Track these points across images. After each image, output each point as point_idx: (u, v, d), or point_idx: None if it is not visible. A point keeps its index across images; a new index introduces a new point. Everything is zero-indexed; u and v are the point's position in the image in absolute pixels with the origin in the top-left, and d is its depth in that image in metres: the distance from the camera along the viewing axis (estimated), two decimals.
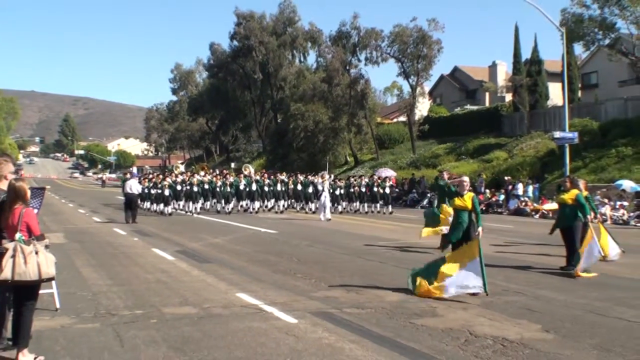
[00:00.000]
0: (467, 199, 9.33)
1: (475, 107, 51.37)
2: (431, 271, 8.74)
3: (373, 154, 50.47)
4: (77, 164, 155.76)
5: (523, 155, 35.27)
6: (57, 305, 7.65)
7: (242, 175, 29.45)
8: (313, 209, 28.22)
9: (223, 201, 27.75)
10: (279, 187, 28.92)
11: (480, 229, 9.10)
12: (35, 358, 5.59)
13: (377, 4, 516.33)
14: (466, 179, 9.77)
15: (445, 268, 8.54)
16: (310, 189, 28.73)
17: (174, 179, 28.73)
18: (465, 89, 60.54)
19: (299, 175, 30.43)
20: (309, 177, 30.07)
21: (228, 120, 75.70)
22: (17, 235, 5.62)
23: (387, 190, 28.68)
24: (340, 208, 28.92)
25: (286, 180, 29.51)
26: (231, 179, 28.95)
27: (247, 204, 28.37)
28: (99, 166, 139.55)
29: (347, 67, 49.10)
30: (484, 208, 16.59)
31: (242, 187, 28.14)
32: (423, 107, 52.25)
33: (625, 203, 24.07)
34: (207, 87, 77.49)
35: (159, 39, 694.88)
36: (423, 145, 47.60)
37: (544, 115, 40.02)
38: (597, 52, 40.65)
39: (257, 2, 79.06)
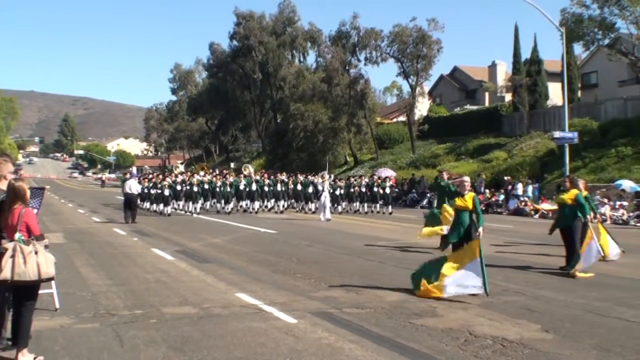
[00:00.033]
0: (467, 199, 9.31)
1: (474, 107, 51.37)
2: (432, 270, 8.73)
3: (373, 154, 50.47)
4: (76, 164, 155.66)
5: (523, 155, 35.27)
6: (57, 305, 7.65)
7: (242, 176, 29.44)
8: (313, 209, 28.21)
9: (223, 201, 27.74)
10: (279, 187, 28.91)
11: (481, 229, 9.08)
12: (34, 358, 5.58)
13: (377, 4, 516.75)
14: (467, 179, 9.76)
15: (445, 268, 8.54)
16: (310, 189, 28.72)
17: (173, 179, 28.71)
18: (465, 88, 60.54)
19: (298, 175, 30.41)
20: (309, 177, 30.05)
21: (227, 120, 75.69)
22: (17, 235, 5.62)
23: (387, 191, 28.69)
24: (340, 208, 28.92)
25: (286, 180, 29.49)
26: (231, 179, 28.95)
27: (247, 204, 28.37)
28: (99, 166, 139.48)
29: (347, 67, 49.11)
30: (483, 208, 16.51)
31: (242, 187, 28.13)
32: (423, 107, 52.26)
33: (625, 203, 24.07)
34: (206, 87, 77.48)
35: (158, 39, 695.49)
36: (423, 145, 47.60)
37: (543, 115, 40.03)
38: (597, 52, 40.67)
39: (256, 2, 79.17)
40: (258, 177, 29.51)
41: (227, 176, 29.93)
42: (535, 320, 7.34)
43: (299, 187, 28.99)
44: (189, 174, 32.23)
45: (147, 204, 28.82)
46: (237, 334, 6.61)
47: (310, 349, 6.07)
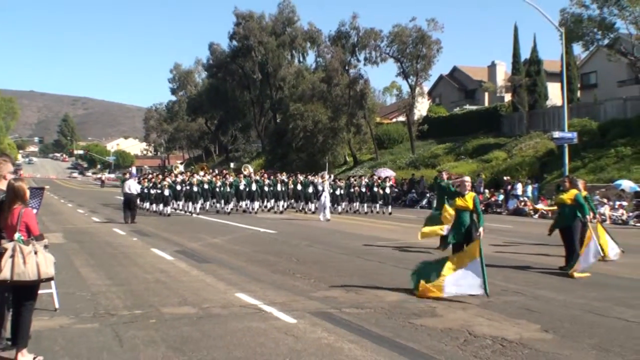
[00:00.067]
0: (468, 199, 9.30)
1: (474, 107, 51.36)
2: (431, 271, 8.73)
3: (372, 154, 50.47)
4: (76, 164, 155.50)
5: (522, 155, 35.28)
6: (56, 306, 7.64)
7: (242, 176, 29.42)
8: (313, 209, 28.21)
9: (223, 201, 27.73)
10: (279, 188, 28.88)
11: (481, 229, 9.05)
12: (34, 358, 5.58)
13: (377, 4, 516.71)
14: (468, 179, 9.76)
15: (445, 268, 8.54)
16: (310, 189, 28.71)
17: (173, 179, 28.70)
18: (465, 89, 60.55)
19: (298, 175, 30.39)
20: (309, 177, 30.04)
21: (227, 120, 75.70)
22: (16, 235, 5.62)
23: (387, 191, 28.71)
24: (340, 209, 28.91)
25: (286, 180, 29.47)
26: (231, 179, 28.94)
27: (246, 205, 28.36)
28: (98, 166, 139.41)
29: (347, 67, 49.11)
30: (483, 208, 16.37)
31: (242, 187, 28.12)
32: (422, 107, 52.25)
33: (625, 203, 24.08)
34: (206, 87, 77.49)
35: (158, 39, 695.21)
36: (422, 145, 47.61)
37: (543, 115, 40.03)
38: (596, 52, 40.68)
39: (256, 2, 79.18)
40: (258, 177, 29.49)
41: (227, 176, 29.92)
42: (535, 320, 7.34)
43: (299, 187, 28.98)
44: (188, 174, 32.23)
45: (147, 204, 28.83)
46: (236, 334, 6.61)
47: (310, 349, 6.07)
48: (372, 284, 9.67)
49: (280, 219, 24.79)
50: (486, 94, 54.49)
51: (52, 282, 6.94)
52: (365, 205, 28.88)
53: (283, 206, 28.99)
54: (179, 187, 27.91)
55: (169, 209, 26.89)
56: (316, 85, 50.61)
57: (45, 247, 5.84)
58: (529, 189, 29.54)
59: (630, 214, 23.30)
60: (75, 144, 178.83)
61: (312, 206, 28.49)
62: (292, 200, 29.93)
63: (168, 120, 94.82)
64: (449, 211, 9.64)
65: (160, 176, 29.96)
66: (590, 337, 6.61)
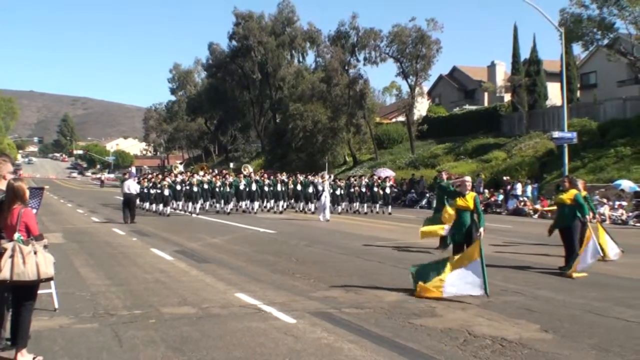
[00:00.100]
0: (469, 199, 9.29)
1: (474, 107, 51.35)
2: (431, 271, 8.72)
3: (372, 154, 50.46)
4: (75, 164, 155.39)
5: (522, 155, 35.27)
6: (56, 306, 7.64)
7: (242, 175, 29.40)
8: (312, 210, 28.19)
9: (222, 201, 27.71)
10: (279, 188, 28.86)
11: (482, 229, 9.04)
12: (33, 358, 5.58)
13: (376, 4, 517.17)
14: (468, 178, 9.76)
15: (446, 269, 8.53)
16: (311, 189, 28.70)
17: (173, 179, 28.69)
18: (464, 89, 60.55)
19: (298, 175, 30.37)
20: (309, 177, 30.03)
21: (227, 120, 75.68)
22: (16, 235, 5.62)
23: (387, 191, 28.71)
24: (339, 209, 28.90)
25: (286, 180, 29.44)
26: (230, 179, 28.91)
27: (246, 205, 28.35)
28: (98, 166, 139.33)
29: (346, 67, 49.09)
30: (482, 208, 16.31)
31: (242, 187, 28.10)
32: (422, 107, 52.24)
33: (624, 203, 24.09)
34: (205, 87, 77.46)
35: (157, 39, 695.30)
36: (422, 145, 47.60)
37: (542, 115, 40.03)
38: (596, 52, 40.69)
39: (256, 2, 79.21)
40: (258, 177, 29.48)
41: (227, 176, 29.90)
42: (535, 320, 7.34)
43: (299, 187, 28.97)
44: (188, 174, 32.23)
45: (146, 204, 28.81)
46: (236, 334, 6.61)
47: (310, 349, 6.07)
48: (372, 284, 9.67)
49: (280, 219, 24.79)
50: (486, 94, 54.50)
51: (52, 282, 6.93)
52: (365, 205, 28.88)
53: (283, 206, 28.97)
54: (178, 187, 27.90)
55: (168, 209, 26.87)
56: (316, 85, 50.60)
57: (45, 247, 5.84)
58: (529, 189, 29.54)
59: (630, 214, 23.30)
60: (74, 144, 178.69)
61: (312, 206, 28.48)
62: (292, 201, 29.90)
63: (167, 120, 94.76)
64: (449, 211, 9.64)
65: (160, 176, 29.94)
66: (590, 337, 6.61)
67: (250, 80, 66.78)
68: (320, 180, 27.79)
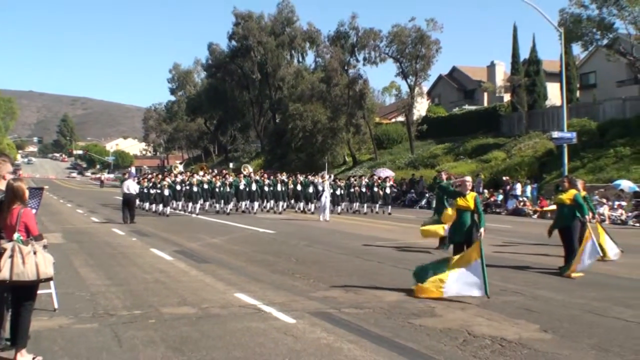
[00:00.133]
0: (469, 199, 9.28)
1: (473, 107, 51.38)
2: (431, 271, 8.71)
3: (371, 154, 50.48)
4: (75, 164, 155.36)
5: (521, 155, 35.28)
6: (56, 306, 7.64)
7: (242, 176, 29.39)
8: (312, 210, 28.19)
9: (222, 202, 27.70)
10: (279, 188, 28.84)
11: (482, 229, 9.02)
12: (33, 358, 5.58)
13: (376, 4, 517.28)
14: (469, 178, 9.75)
15: (446, 269, 8.53)
16: (311, 189, 28.69)
17: (173, 179, 28.68)
18: (464, 89, 60.56)
19: (298, 175, 30.36)
20: (309, 177, 30.01)
21: (226, 120, 75.69)
22: (16, 236, 5.61)
23: (388, 191, 28.70)
24: (339, 209, 28.88)
25: (286, 180, 29.41)
26: (230, 179, 28.90)
27: (246, 205, 28.33)
28: (97, 166, 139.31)
29: (346, 67, 49.11)
30: (482, 208, 16.30)
31: (242, 187, 28.08)
32: (421, 107, 52.28)
33: (624, 203, 24.09)
34: (205, 87, 77.47)
35: (157, 39, 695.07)
36: (421, 145, 47.62)
37: (542, 115, 40.05)
38: (595, 52, 40.70)
39: (255, 2, 79.23)
40: (258, 177, 29.46)
41: (227, 176, 29.90)
42: (534, 320, 7.34)
43: (299, 187, 28.95)
44: (188, 174, 32.22)
45: (146, 204, 28.81)
46: (235, 334, 6.61)
47: (309, 349, 6.07)
48: (371, 284, 9.67)
49: (279, 219, 24.79)
50: (485, 94, 54.52)
51: (51, 282, 6.93)
52: (365, 205, 28.88)
53: (283, 207, 28.94)
54: (178, 187, 27.90)
55: (168, 209, 26.87)
56: (315, 86, 50.62)
57: (45, 247, 5.84)
58: (528, 189, 29.56)
59: (629, 214, 23.31)
60: (74, 144, 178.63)
61: (312, 206, 28.47)
62: (292, 201, 29.88)
63: (167, 121, 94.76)
64: (449, 212, 9.64)
65: (160, 176, 29.92)
66: (590, 337, 6.62)
67: (249, 81, 66.79)
68: (320, 181, 27.78)
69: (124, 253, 13.60)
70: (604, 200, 24.19)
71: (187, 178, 29.06)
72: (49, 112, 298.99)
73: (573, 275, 10.46)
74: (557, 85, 39.07)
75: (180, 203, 28.55)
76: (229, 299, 8.47)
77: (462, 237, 9.32)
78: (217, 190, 27.70)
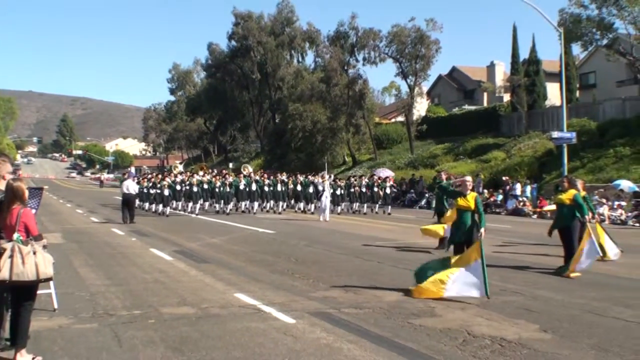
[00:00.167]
0: (470, 199, 9.27)
1: (473, 107, 51.40)
2: (431, 271, 8.71)
3: (371, 154, 50.48)
4: (75, 164, 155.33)
5: (521, 155, 35.30)
6: (55, 306, 7.64)
7: (241, 176, 29.38)
8: (312, 210, 28.18)
9: (222, 202, 27.69)
10: (279, 188, 28.83)
11: (483, 229, 9.02)
12: (33, 358, 5.58)
13: (376, 4, 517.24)
14: (469, 178, 9.75)
15: (446, 269, 8.53)
16: (311, 189, 28.68)
17: (173, 179, 28.67)
18: (463, 89, 60.58)
19: (298, 175, 30.36)
20: (309, 177, 30.01)
21: (226, 120, 75.66)
22: (15, 236, 5.61)
23: (388, 191, 28.69)
24: (339, 209, 28.88)
25: (286, 180, 29.40)
26: (230, 179, 28.89)
27: (245, 206, 28.32)
28: (97, 166, 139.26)
29: (345, 67, 49.10)
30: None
31: (241, 187, 28.08)
32: (421, 107, 52.28)
33: (623, 203, 24.10)
34: (205, 87, 77.45)
35: (157, 39, 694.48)
36: (421, 145, 47.63)
37: (542, 115, 40.06)
38: (595, 52, 40.72)
39: (255, 3, 79.25)
40: (258, 177, 29.45)
41: (227, 176, 29.89)
42: (534, 320, 7.34)
43: (299, 187, 28.94)
44: (188, 174, 32.21)
45: (146, 204, 28.79)
46: (235, 334, 6.61)
47: (309, 349, 6.07)
48: (371, 284, 9.67)
49: (279, 219, 24.79)
50: (485, 94, 54.53)
51: (51, 283, 6.93)
52: (365, 205, 28.88)
53: (283, 207, 28.93)
54: (178, 187, 27.90)
55: (168, 209, 26.86)
56: (315, 86, 50.62)
57: (44, 247, 5.84)
58: (528, 189, 29.56)
59: (629, 214, 23.31)
60: (74, 144, 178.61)
61: (311, 206, 28.46)
62: (292, 201, 29.87)
63: (167, 121, 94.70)
64: (449, 212, 9.63)
65: (160, 176, 29.92)
66: (589, 337, 6.62)
67: (249, 81, 66.78)
68: (320, 181, 27.77)
69: (124, 253, 13.60)
70: (604, 200, 24.19)
71: (187, 178, 29.05)
72: (49, 112, 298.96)
73: (572, 275, 10.47)
74: (556, 85, 39.07)
75: (180, 203, 28.54)
76: (229, 299, 8.47)
77: (462, 237, 9.31)
78: (217, 190, 27.68)
